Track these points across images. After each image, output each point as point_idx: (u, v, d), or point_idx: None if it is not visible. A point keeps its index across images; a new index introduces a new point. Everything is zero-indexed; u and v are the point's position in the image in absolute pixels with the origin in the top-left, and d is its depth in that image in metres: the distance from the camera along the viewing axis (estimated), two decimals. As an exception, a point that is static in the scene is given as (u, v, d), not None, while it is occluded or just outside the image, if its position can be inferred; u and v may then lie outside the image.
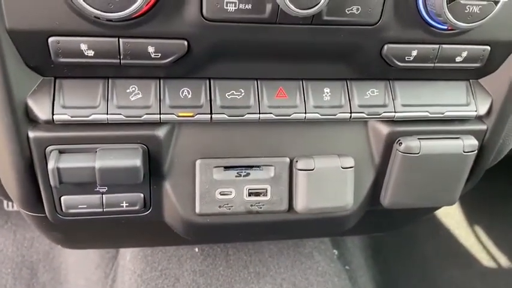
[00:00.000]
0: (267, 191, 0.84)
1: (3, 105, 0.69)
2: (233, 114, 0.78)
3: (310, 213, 0.85)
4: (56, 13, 0.64)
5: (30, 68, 0.70)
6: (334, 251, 1.74)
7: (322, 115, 0.81)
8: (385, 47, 0.75)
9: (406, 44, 0.76)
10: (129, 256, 1.56)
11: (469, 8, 0.68)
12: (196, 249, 1.59)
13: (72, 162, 0.73)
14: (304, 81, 0.81)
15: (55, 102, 0.72)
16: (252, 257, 1.60)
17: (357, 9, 0.68)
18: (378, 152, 0.88)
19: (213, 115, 0.77)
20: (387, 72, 0.81)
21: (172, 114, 0.76)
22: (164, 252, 1.56)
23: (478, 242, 1.94)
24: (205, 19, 0.67)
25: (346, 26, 0.71)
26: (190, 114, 0.77)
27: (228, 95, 0.78)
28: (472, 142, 0.86)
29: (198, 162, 0.81)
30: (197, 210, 0.83)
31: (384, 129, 0.85)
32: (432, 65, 0.79)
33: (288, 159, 0.84)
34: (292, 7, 0.63)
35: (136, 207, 0.83)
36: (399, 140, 0.85)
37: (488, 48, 0.79)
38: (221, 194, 0.82)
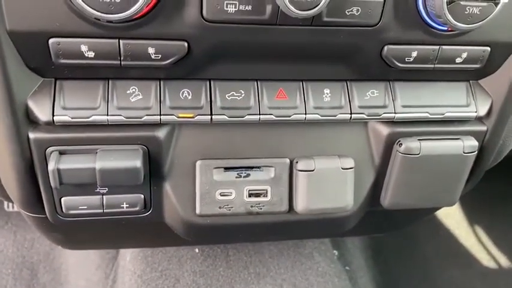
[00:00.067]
0: (267, 191, 0.84)
1: (3, 106, 0.69)
2: (233, 115, 0.78)
3: (310, 214, 0.86)
4: (56, 14, 0.64)
5: (31, 69, 0.70)
6: (335, 251, 1.74)
7: (322, 116, 0.81)
8: (385, 48, 0.75)
9: (406, 45, 0.76)
10: (129, 257, 1.56)
11: (469, 9, 0.68)
12: (197, 250, 1.59)
13: (73, 163, 0.73)
14: (304, 82, 0.81)
15: (55, 104, 0.72)
16: (252, 257, 1.60)
17: (357, 11, 0.68)
18: (378, 152, 0.88)
19: (213, 116, 0.77)
20: (387, 73, 0.82)
21: (173, 115, 0.76)
22: (164, 253, 1.56)
23: (478, 242, 1.94)
24: (206, 20, 0.67)
25: (346, 27, 0.71)
26: (191, 115, 0.77)
27: (228, 96, 0.78)
28: (472, 143, 0.86)
29: (198, 163, 0.81)
30: (197, 211, 0.83)
31: (384, 130, 0.85)
32: (432, 66, 0.79)
33: (288, 160, 0.84)
34: (293, 8, 0.63)
35: (137, 208, 0.83)
36: (399, 141, 0.85)
37: (488, 49, 0.79)
38: (221, 194, 0.82)
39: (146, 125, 0.76)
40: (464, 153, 0.86)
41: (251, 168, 0.83)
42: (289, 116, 0.80)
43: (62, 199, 0.79)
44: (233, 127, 0.81)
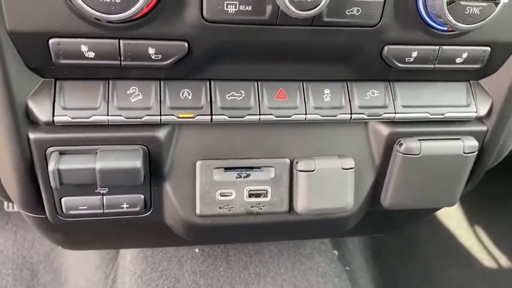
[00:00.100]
0: (267, 192, 0.84)
1: (3, 107, 0.69)
2: (233, 115, 0.78)
3: (310, 214, 0.85)
4: (56, 15, 0.64)
5: (31, 69, 0.70)
6: (335, 251, 1.74)
7: (322, 116, 0.81)
8: (385, 48, 0.75)
9: (406, 45, 0.76)
10: (129, 257, 1.56)
11: (469, 9, 0.68)
12: (197, 250, 1.59)
13: (73, 163, 0.73)
14: (304, 82, 0.81)
15: (55, 104, 0.72)
16: (253, 257, 1.60)
17: (357, 11, 0.68)
18: (378, 153, 0.88)
19: (213, 116, 0.77)
20: (387, 73, 0.81)
21: (173, 115, 0.76)
22: (164, 253, 1.56)
23: (479, 242, 1.94)
24: (206, 20, 0.67)
25: (347, 28, 0.71)
26: (191, 115, 0.77)
27: (229, 96, 0.78)
28: (473, 143, 0.86)
29: (198, 163, 0.81)
30: (197, 211, 0.83)
31: (384, 130, 0.85)
32: (432, 66, 0.79)
33: (288, 160, 0.84)
34: (293, 8, 0.63)
35: (137, 209, 0.83)
36: (399, 141, 0.85)
37: (489, 49, 0.79)
38: (221, 195, 0.82)
39: (146, 125, 0.76)
40: (465, 153, 0.86)
41: (251, 168, 0.83)
42: (290, 116, 0.80)
43: (62, 199, 0.79)
44: (233, 127, 0.81)
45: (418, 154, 0.84)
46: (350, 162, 0.84)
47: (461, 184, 0.91)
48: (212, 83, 0.78)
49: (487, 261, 1.88)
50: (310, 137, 0.85)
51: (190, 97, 0.77)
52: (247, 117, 0.79)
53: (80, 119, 0.73)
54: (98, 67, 0.71)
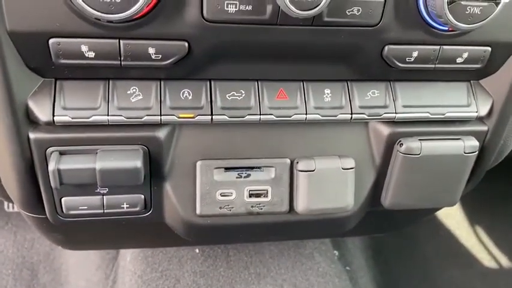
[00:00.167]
0: (267, 192, 0.84)
1: (3, 107, 0.69)
2: (234, 115, 0.78)
3: (310, 214, 0.85)
4: (56, 14, 0.64)
5: (31, 69, 0.70)
6: (335, 251, 1.74)
7: (322, 116, 0.81)
8: (386, 48, 0.75)
9: (407, 45, 0.76)
10: (129, 257, 1.56)
11: (470, 9, 0.68)
12: (197, 250, 1.59)
13: (73, 163, 0.73)
14: (304, 82, 0.81)
15: (56, 104, 0.72)
16: (253, 258, 1.60)
17: (358, 11, 0.68)
18: (379, 153, 0.88)
19: (213, 116, 0.77)
20: (388, 73, 0.81)
21: (173, 115, 0.76)
22: (165, 253, 1.56)
23: (479, 242, 1.94)
24: (206, 20, 0.67)
25: (347, 27, 0.71)
26: (191, 115, 0.77)
27: (229, 96, 0.78)
28: (473, 143, 0.86)
29: (198, 163, 0.81)
30: (198, 212, 0.83)
31: (385, 130, 0.85)
32: (433, 66, 0.79)
33: (288, 160, 0.84)
34: (293, 8, 0.63)
35: (137, 209, 0.83)
36: (400, 141, 0.85)
37: (489, 49, 0.79)
38: (222, 195, 0.82)
39: (146, 125, 0.76)
40: (465, 153, 0.85)
41: (251, 168, 0.83)
42: (290, 116, 0.80)
43: (62, 199, 0.79)
44: (233, 127, 0.81)
45: (419, 154, 0.84)
46: (350, 162, 0.84)
47: (462, 184, 0.91)
48: (212, 83, 0.78)
49: (487, 262, 1.88)
50: (310, 137, 0.85)
51: (190, 97, 0.77)
52: (247, 117, 0.79)
53: (80, 119, 0.73)
54: (98, 67, 0.71)
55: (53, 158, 0.73)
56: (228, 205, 0.83)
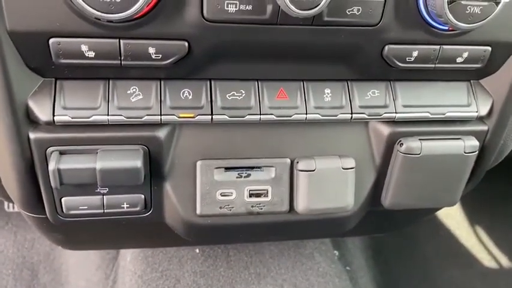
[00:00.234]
0: (267, 192, 0.84)
1: (4, 106, 0.69)
2: (234, 115, 0.78)
3: (311, 214, 0.85)
4: (56, 14, 0.64)
5: (31, 69, 0.70)
6: (335, 251, 1.74)
7: (323, 116, 0.81)
8: (386, 47, 0.75)
9: (407, 45, 0.76)
10: (129, 257, 1.56)
11: (470, 8, 0.68)
12: (197, 250, 1.59)
13: (73, 163, 0.73)
14: (305, 82, 0.81)
15: (56, 103, 0.72)
16: (253, 258, 1.60)
17: (358, 10, 0.68)
18: (379, 152, 0.88)
19: (213, 116, 0.77)
20: (388, 73, 0.81)
21: (173, 115, 0.76)
22: (165, 253, 1.56)
23: (479, 242, 1.94)
24: (206, 20, 0.67)
25: (347, 27, 0.71)
26: (191, 115, 0.77)
27: (229, 96, 0.78)
28: (473, 143, 0.86)
29: (198, 163, 0.81)
30: (198, 211, 0.83)
31: (385, 130, 0.85)
32: (433, 65, 0.79)
33: (288, 160, 0.84)
34: (293, 8, 0.63)
35: (137, 208, 0.83)
36: (400, 141, 0.85)
37: (489, 48, 0.79)
38: (222, 195, 0.82)
39: (147, 125, 0.76)
40: (465, 153, 0.85)
41: (252, 168, 0.83)
42: (290, 116, 0.80)
43: (63, 199, 0.79)
44: (234, 127, 0.81)
45: (419, 154, 0.84)
46: (351, 162, 0.84)
47: (462, 184, 0.91)
48: (212, 82, 0.78)
49: (487, 262, 1.88)
50: (310, 136, 0.85)
51: (190, 97, 0.76)
52: (247, 117, 0.79)
53: (80, 119, 0.72)
54: (98, 67, 0.71)
55: (53, 157, 0.73)
56: (228, 205, 0.83)
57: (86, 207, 0.80)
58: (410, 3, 0.71)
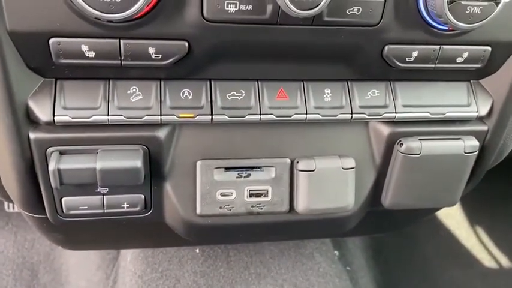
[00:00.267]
0: (267, 192, 0.84)
1: (4, 106, 0.69)
2: (234, 115, 0.78)
3: (311, 214, 0.85)
4: (56, 14, 0.64)
5: (31, 69, 0.70)
6: (335, 252, 1.74)
7: (323, 116, 0.81)
8: (386, 47, 0.75)
9: (407, 45, 0.76)
10: (129, 257, 1.56)
11: (470, 8, 0.68)
12: (197, 250, 1.58)
13: (73, 163, 0.73)
14: (304, 82, 0.81)
15: (56, 104, 0.72)
16: (253, 258, 1.60)
17: (358, 10, 0.68)
18: (379, 152, 0.88)
19: (213, 116, 0.77)
20: (388, 73, 0.81)
21: (173, 115, 0.76)
22: (165, 253, 1.56)
23: (479, 242, 1.94)
24: (206, 20, 0.67)
25: (347, 27, 0.71)
26: (191, 115, 0.77)
27: (229, 96, 0.78)
28: (473, 143, 0.86)
29: (198, 163, 0.81)
30: (198, 211, 0.83)
31: (385, 130, 0.85)
32: (433, 65, 0.79)
33: (288, 160, 0.84)
34: (293, 8, 0.63)
35: (137, 209, 0.83)
36: (400, 141, 0.85)
37: (489, 48, 0.79)
38: (222, 195, 0.82)
39: (147, 125, 0.76)
40: (465, 153, 0.85)
41: (252, 168, 0.83)
42: (290, 116, 0.80)
43: (63, 199, 0.79)
44: (234, 127, 0.81)
45: (419, 154, 0.84)
46: (351, 162, 0.84)
47: (462, 184, 0.91)
48: (212, 82, 0.78)
49: (487, 262, 1.88)
50: (310, 136, 0.85)
51: (190, 97, 0.77)
52: (247, 117, 0.79)
53: (80, 119, 0.73)
54: (98, 67, 0.71)
55: (53, 157, 0.73)
56: (228, 205, 0.83)
57: (86, 207, 0.80)
58: (410, 3, 0.71)
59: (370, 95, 0.83)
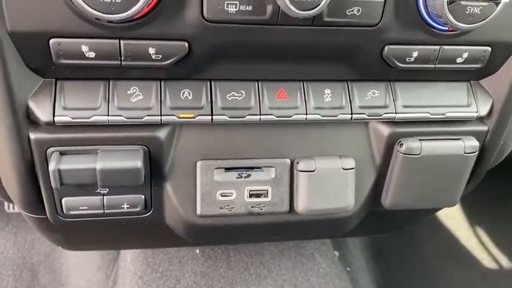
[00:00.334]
0: (267, 192, 0.84)
1: (4, 107, 0.69)
2: (234, 115, 0.78)
3: (311, 214, 0.85)
4: (56, 15, 0.64)
5: (31, 69, 0.70)
6: (335, 252, 1.74)
7: (323, 116, 0.81)
8: (386, 48, 0.75)
9: (407, 45, 0.76)
10: (130, 258, 1.56)
11: (470, 9, 0.68)
12: (197, 251, 1.58)
13: (73, 163, 0.73)
14: (305, 83, 0.81)
15: (56, 104, 0.72)
16: (253, 258, 1.60)
17: (358, 11, 0.68)
18: (379, 153, 0.88)
19: (213, 116, 0.77)
20: (388, 73, 0.81)
21: (173, 115, 0.76)
22: (165, 254, 1.56)
23: (479, 243, 1.94)
24: (206, 20, 0.67)
25: (347, 27, 0.71)
26: (191, 115, 0.77)
27: (229, 96, 0.78)
28: (473, 143, 0.86)
29: (199, 163, 0.81)
30: (198, 212, 0.83)
31: (385, 130, 0.85)
32: (433, 66, 0.79)
33: (288, 161, 0.84)
34: (293, 8, 0.63)
35: (137, 209, 0.83)
36: (400, 141, 0.85)
37: (489, 49, 0.79)
38: (222, 195, 0.82)
39: (147, 125, 0.76)
40: (465, 153, 0.85)
41: (252, 168, 0.83)
42: (290, 116, 0.80)
43: (63, 200, 0.79)
44: (234, 127, 0.81)
45: (419, 154, 0.84)
46: (351, 163, 0.84)
47: (462, 184, 0.91)
48: (213, 83, 0.78)
49: (487, 262, 1.88)
50: (310, 137, 0.85)
51: (190, 97, 0.77)
52: (247, 117, 0.79)
53: (81, 119, 0.73)
54: (98, 67, 0.71)
55: (53, 158, 0.73)
56: (229, 205, 0.83)
57: (86, 208, 0.80)
58: (410, 3, 0.71)
59: (370, 96, 0.83)
